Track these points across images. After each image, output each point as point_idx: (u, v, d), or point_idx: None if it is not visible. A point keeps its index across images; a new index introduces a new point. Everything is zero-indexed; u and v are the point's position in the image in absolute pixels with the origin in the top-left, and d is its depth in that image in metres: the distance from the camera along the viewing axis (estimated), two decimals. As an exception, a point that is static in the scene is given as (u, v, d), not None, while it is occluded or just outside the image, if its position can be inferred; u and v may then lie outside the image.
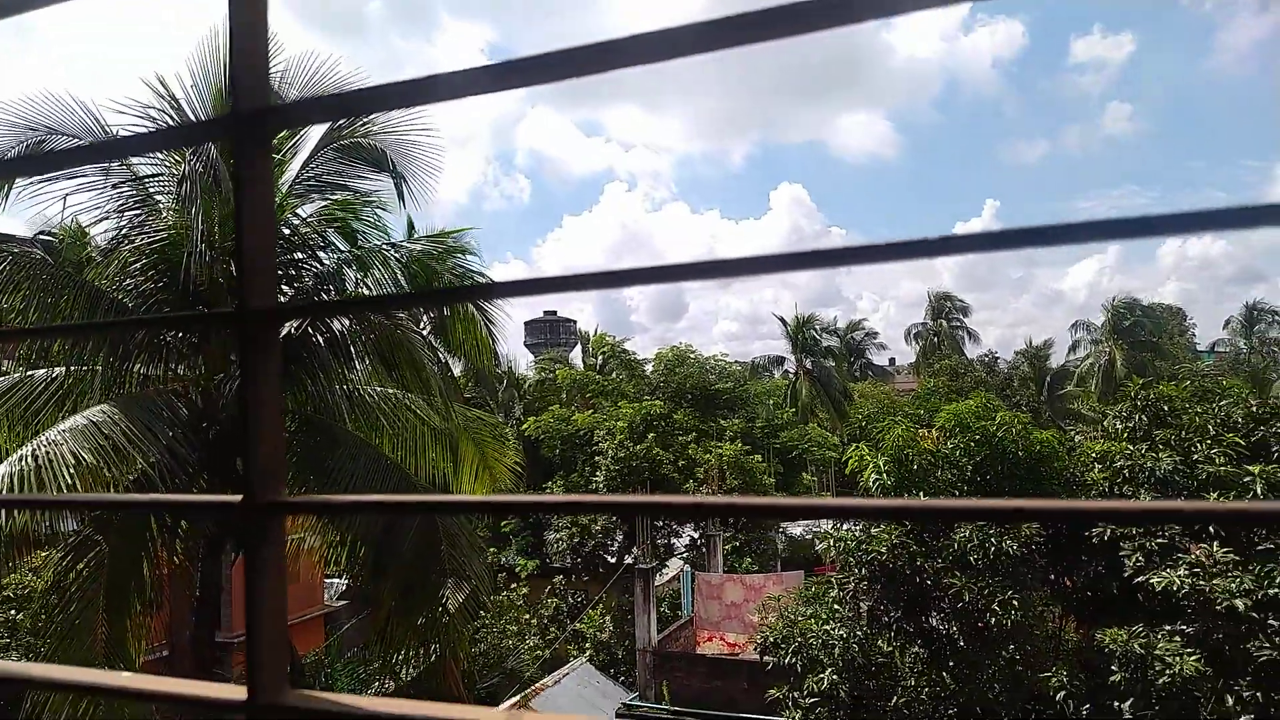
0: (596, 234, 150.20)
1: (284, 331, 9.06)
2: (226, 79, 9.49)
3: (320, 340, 9.79)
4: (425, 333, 11.34)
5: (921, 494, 13.14)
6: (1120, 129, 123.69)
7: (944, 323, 60.92)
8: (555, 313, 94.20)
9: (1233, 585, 10.24)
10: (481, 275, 11.45)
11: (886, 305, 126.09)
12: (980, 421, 13.61)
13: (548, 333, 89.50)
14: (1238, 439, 11.91)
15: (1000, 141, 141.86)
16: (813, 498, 0.85)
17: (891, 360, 66.66)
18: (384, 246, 10.53)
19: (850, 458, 14.25)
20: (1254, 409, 12.42)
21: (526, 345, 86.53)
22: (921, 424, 15.46)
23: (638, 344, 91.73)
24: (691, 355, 26.74)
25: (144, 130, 9.31)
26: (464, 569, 9.90)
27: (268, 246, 0.83)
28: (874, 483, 13.52)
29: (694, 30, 0.66)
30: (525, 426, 25.18)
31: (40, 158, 7.41)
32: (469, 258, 11.09)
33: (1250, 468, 11.36)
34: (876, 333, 60.15)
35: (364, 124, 10.17)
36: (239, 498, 0.79)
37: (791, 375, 45.29)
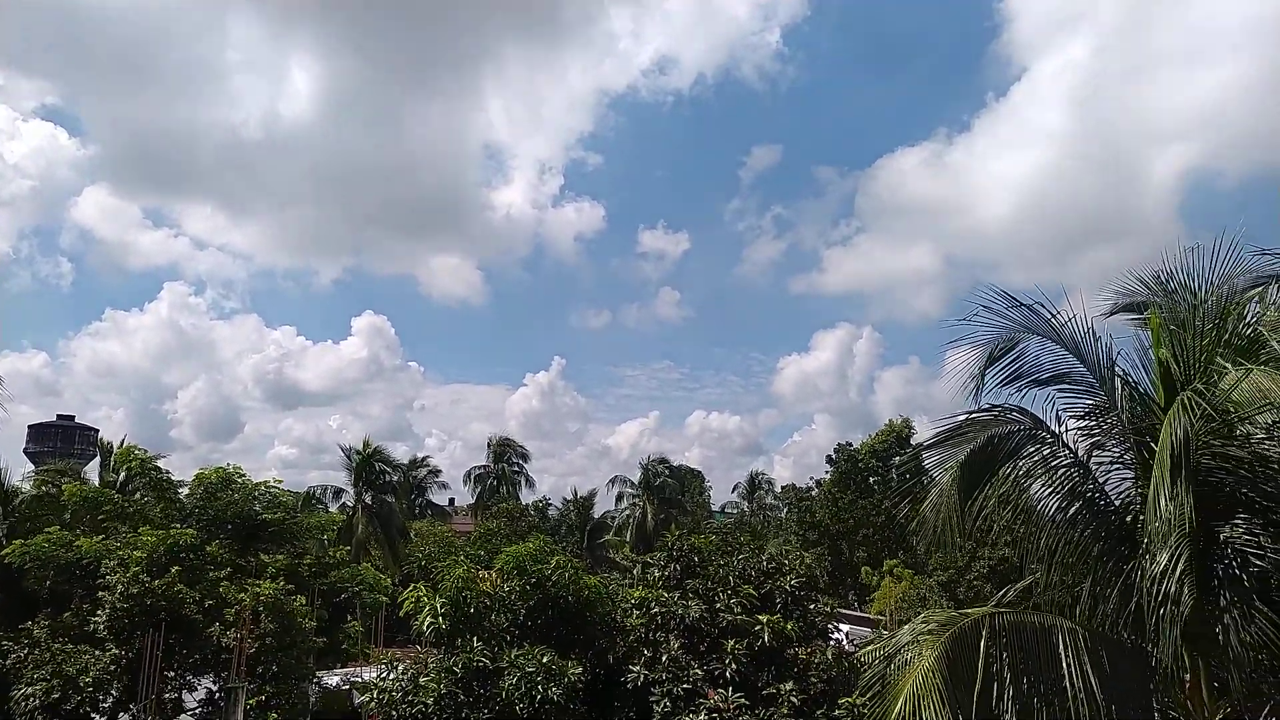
0: (146, 334, 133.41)
1: None
2: None
3: None
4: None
5: (476, 639, 12.87)
6: (668, 313, 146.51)
7: (505, 466, 62.84)
8: (73, 418, 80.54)
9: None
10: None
11: (453, 445, 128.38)
12: (537, 565, 13.91)
13: (59, 440, 75.95)
14: (751, 590, 13.56)
15: (573, 307, 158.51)
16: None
17: (451, 500, 66.71)
18: None
19: (406, 599, 13.60)
20: (764, 565, 14.28)
21: (28, 454, 72.56)
22: (481, 565, 15.41)
23: (175, 463, 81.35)
24: (239, 479, 23.98)
25: None
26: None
27: None
28: (429, 626, 12.99)
29: None
30: (8, 551, 20.37)
31: None
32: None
33: (760, 616, 12.93)
34: (440, 470, 59.91)
35: None
36: None
37: (349, 509, 42.99)
